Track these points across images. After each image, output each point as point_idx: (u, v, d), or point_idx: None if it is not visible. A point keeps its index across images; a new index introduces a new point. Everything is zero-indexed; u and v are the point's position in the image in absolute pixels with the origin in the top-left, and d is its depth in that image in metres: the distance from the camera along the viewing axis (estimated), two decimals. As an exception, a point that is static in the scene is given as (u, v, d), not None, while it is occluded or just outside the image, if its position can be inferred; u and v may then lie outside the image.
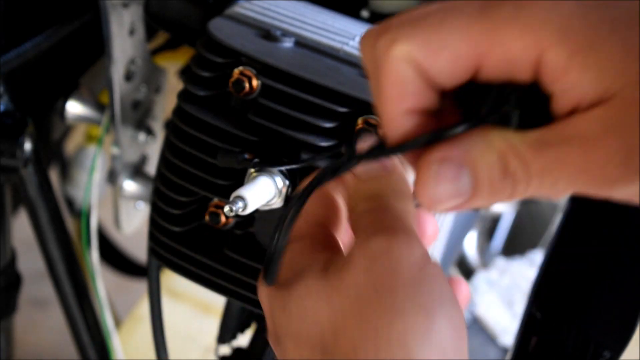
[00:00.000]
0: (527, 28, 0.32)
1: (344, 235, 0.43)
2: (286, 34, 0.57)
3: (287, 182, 0.53)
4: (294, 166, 0.53)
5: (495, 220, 1.53)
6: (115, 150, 0.75)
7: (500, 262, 1.59)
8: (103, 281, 0.77)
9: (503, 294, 1.56)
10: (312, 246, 0.42)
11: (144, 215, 0.82)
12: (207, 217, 0.57)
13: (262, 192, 0.52)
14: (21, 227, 0.86)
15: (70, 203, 1.11)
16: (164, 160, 0.59)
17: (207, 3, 0.64)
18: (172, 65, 0.80)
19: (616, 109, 0.31)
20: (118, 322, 1.22)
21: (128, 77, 0.72)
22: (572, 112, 0.32)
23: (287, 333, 0.40)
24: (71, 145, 1.17)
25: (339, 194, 0.43)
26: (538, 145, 0.33)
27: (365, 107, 0.52)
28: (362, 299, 0.37)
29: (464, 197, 0.34)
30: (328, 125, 0.53)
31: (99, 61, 0.81)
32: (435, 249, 0.64)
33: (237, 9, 0.60)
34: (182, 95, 0.57)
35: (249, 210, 0.50)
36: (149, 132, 0.78)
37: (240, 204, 0.50)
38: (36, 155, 0.70)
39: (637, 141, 0.31)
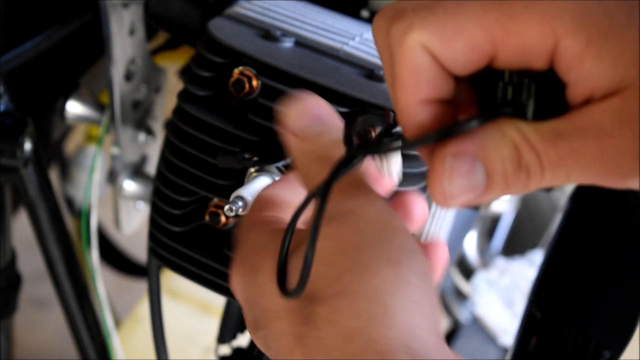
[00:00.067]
0: (543, 16, 0.31)
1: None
2: (286, 34, 0.57)
3: (287, 182, 0.53)
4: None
5: (495, 220, 1.53)
6: (115, 150, 0.75)
7: (500, 262, 1.59)
8: (103, 281, 0.77)
9: (503, 294, 1.56)
10: (272, 230, 0.42)
11: (144, 215, 0.82)
12: (207, 217, 0.57)
13: (262, 192, 0.52)
14: (21, 227, 0.86)
15: (70, 203, 1.11)
16: (164, 160, 0.59)
17: (207, 3, 0.64)
18: (172, 65, 0.80)
19: (631, 99, 0.31)
20: (118, 322, 1.22)
21: (128, 77, 0.72)
22: (587, 101, 0.32)
23: (267, 314, 0.40)
24: (71, 145, 1.17)
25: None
26: (552, 137, 0.32)
27: (365, 107, 0.52)
28: (331, 263, 0.37)
29: (477, 191, 0.34)
30: (328, 125, 0.53)
31: (99, 61, 0.81)
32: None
33: (237, 9, 0.60)
34: (182, 95, 0.57)
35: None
36: (149, 132, 0.78)
37: (240, 203, 0.50)
38: (36, 155, 0.70)
39: None
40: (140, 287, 1.08)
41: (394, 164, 0.41)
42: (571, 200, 0.60)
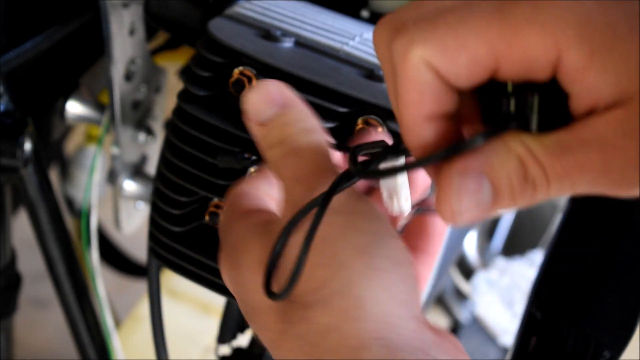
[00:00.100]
0: (546, 29, 0.31)
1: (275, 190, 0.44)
2: (286, 34, 0.57)
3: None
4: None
5: (495, 220, 1.53)
6: (115, 150, 0.75)
7: (500, 262, 1.59)
8: (103, 281, 0.77)
9: (503, 294, 1.56)
10: (252, 224, 0.42)
11: (144, 215, 0.82)
12: (207, 217, 0.57)
13: (262, 192, 0.52)
14: (21, 227, 0.86)
15: (70, 203, 1.11)
16: (164, 160, 0.59)
17: (207, 3, 0.64)
18: (172, 65, 0.80)
19: (634, 111, 0.31)
20: (118, 322, 1.22)
21: (128, 77, 0.72)
22: (590, 112, 0.32)
23: (252, 309, 0.40)
24: (71, 145, 1.18)
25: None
26: (557, 150, 0.33)
27: (365, 107, 0.52)
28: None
29: (485, 207, 0.34)
30: (328, 125, 0.53)
31: (99, 61, 0.81)
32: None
33: (237, 9, 0.60)
34: (182, 95, 0.57)
35: (249, 210, 0.50)
36: (149, 132, 0.78)
37: (240, 204, 0.50)
38: (36, 155, 0.70)
39: None
40: (140, 287, 1.08)
41: (402, 189, 0.41)
42: (571, 200, 0.60)
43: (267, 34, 0.56)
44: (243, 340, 0.70)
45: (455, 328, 1.52)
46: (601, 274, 0.59)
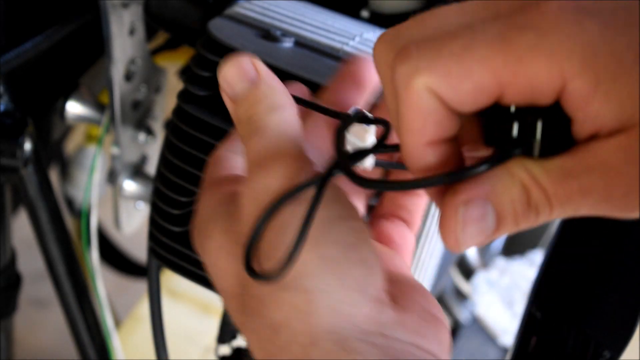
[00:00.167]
0: (551, 58, 0.31)
1: None
2: (286, 34, 0.57)
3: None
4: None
5: (495, 220, 1.52)
6: (115, 150, 0.75)
7: (500, 262, 1.59)
8: (103, 281, 0.77)
9: (503, 294, 1.56)
10: (221, 195, 0.41)
11: (144, 215, 0.82)
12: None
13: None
14: (21, 227, 0.86)
15: (70, 203, 1.12)
16: (164, 160, 0.59)
17: (207, 3, 0.64)
18: (172, 65, 0.80)
19: (637, 137, 0.31)
20: (118, 322, 1.22)
21: (128, 77, 0.72)
22: (592, 137, 0.32)
23: (221, 294, 0.40)
24: (71, 145, 1.18)
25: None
26: (560, 175, 0.33)
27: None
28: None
29: (488, 233, 0.34)
30: (328, 125, 0.53)
31: (99, 61, 0.81)
32: (436, 249, 0.64)
33: (237, 9, 0.60)
34: (182, 95, 0.57)
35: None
36: (149, 132, 0.78)
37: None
38: (36, 155, 0.70)
39: None
40: (140, 287, 1.08)
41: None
42: (571, 200, 0.60)
43: (267, 34, 0.56)
44: (243, 340, 0.70)
45: (455, 328, 1.52)
46: (601, 274, 0.59)
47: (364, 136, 0.40)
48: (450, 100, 0.33)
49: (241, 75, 0.41)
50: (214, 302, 1.24)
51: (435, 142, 0.35)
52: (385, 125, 0.40)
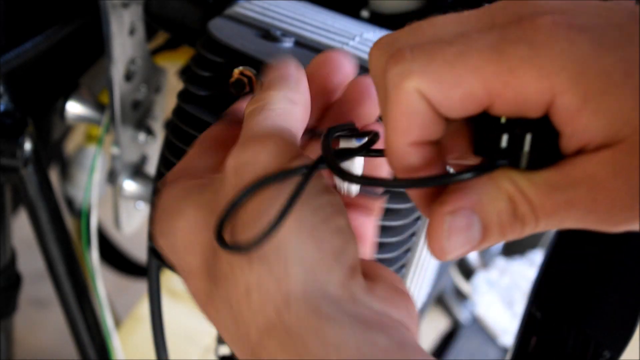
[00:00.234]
0: (541, 72, 0.32)
1: None
2: (286, 34, 0.57)
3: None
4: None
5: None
6: (115, 150, 0.75)
7: (500, 262, 1.59)
8: (103, 281, 0.77)
9: (503, 294, 1.56)
10: (187, 183, 0.42)
11: (144, 215, 0.82)
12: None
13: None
14: (21, 227, 0.86)
15: (70, 203, 1.12)
16: (164, 160, 0.59)
17: (207, 3, 0.64)
18: (172, 65, 0.80)
19: (624, 153, 0.31)
20: (118, 322, 1.22)
21: (128, 77, 0.72)
22: (579, 151, 0.33)
23: (183, 277, 0.41)
24: (71, 145, 1.18)
25: None
26: (546, 189, 0.33)
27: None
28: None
29: (474, 243, 0.35)
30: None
31: (99, 61, 0.81)
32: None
33: (237, 9, 0.60)
34: (182, 95, 0.57)
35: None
36: (149, 132, 0.78)
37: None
38: (36, 155, 0.70)
39: None
40: (140, 287, 1.08)
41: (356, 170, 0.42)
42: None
43: (267, 34, 0.56)
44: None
45: (455, 328, 1.52)
46: (601, 274, 0.59)
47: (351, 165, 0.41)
48: (439, 105, 0.34)
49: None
50: (214, 302, 1.24)
51: (419, 144, 0.35)
52: (373, 134, 0.41)
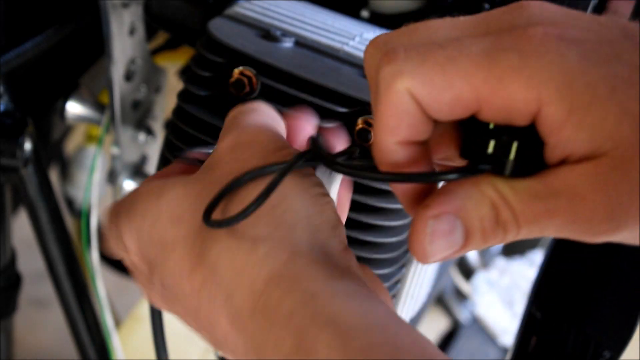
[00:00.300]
0: (529, 82, 0.32)
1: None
2: (286, 34, 0.57)
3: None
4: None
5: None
6: (115, 150, 0.75)
7: (500, 262, 1.59)
8: (103, 281, 0.77)
9: (503, 294, 1.56)
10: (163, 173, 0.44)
11: (144, 215, 0.82)
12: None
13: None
14: (21, 227, 0.86)
15: (70, 203, 1.12)
16: (164, 160, 0.59)
17: (207, 3, 0.64)
18: (172, 65, 0.80)
19: (605, 166, 0.32)
20: (118, 322, 1.22)
21: (128, 77, 0.72)
22: (562, 161, 0.33)
23: (160, 252, 0.41)
24: (71, 145, 1.18)
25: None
26: (528, 197, 0.34)
27: (365, 107, 0.52)
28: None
29: (456, 248, 0.36)
30: (328, 125, 0.53)
31: (99, 61, 0.81)
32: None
33: (237, 9, 0.60)
34: (182, 95, 0.57)
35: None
36: (149, 132, 0.78)
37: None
38: (36, 155, 0.70)
39: (622, 199, 0.32)
40: (140, 287, 1.08)
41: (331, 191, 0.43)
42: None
43: (267, 34, 0.56)
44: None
45: (455, 328, 1.52)
46: (601, 274, 0.59)
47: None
48: (428, 107, 0.34)
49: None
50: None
51: (407, 143, 0.36)
52: (357, 147, 0.43)
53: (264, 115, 0.43)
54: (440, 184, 0.37)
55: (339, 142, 0.46)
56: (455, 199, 0.35)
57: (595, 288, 0.59)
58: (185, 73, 0.60)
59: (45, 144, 0.88)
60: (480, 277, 1.55)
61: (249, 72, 0.54)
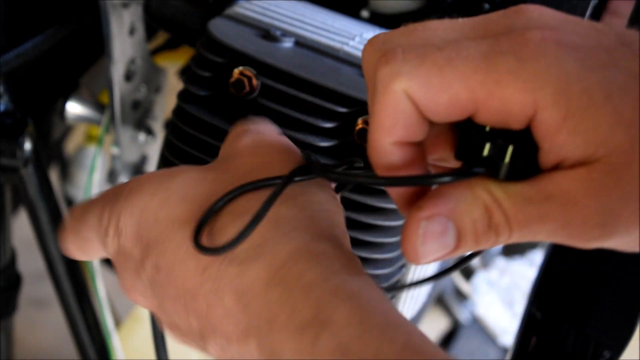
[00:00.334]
0: (526, 86, 0.32)
1: None
2: (286, 34, 0.57)
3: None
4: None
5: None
6: (115, 150, 0.75)
7: (500, 262, 1.59)
8: (103, 281, 0.77)
9: (503, 294, 1.56)
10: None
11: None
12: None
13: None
14: (21, 227, 0.86)
15: (70, 203, 1.11)
16: (164, 160, 0.59)
17: (207, 3, 0.64)
18: (172, 65, 0.80)
19: (599, 172, 0.32)
20: (118, 322, 1.22)
21: (128, 77, 0.72)
22: (556, 166, 0.34)
23: (162, 232, 0.41)
24: (71, 145, 1.17)
25: None
26: (521, 201, 0.34)
27: (365, 108, 0.52)
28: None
29: (448, 249, 0.36)
30: (328, 125, 0.53)
31: (99, 61, 0.81)
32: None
33: (237, 9, 0.60)
34: (182, 95, 0.57)
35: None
36: (149, 132, 0.78)
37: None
38: (36, 155, 0.70)
39: (615, 205, 0.33)
40: (140, 287, 1.08)
41: None
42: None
43: (267, 34, 0.56)
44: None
45: (455, 328, 1.52)
46: (601, 274, 0.59)
47: None
48: (425, 108, 0.35)
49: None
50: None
51: (402, 144, 0.36)
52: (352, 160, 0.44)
53: (272, 127, 0.45)
54: (434, 186, 0.37)
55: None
56: (448, 200, 0.35)
57: (595, 288, 0.59)
58: (185, 73, 0.60)
59: (45, 144, 0.88)
60: (480, 277, 1.55)
61: (249, 72, 0.54)
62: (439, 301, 1.52)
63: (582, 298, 0.60)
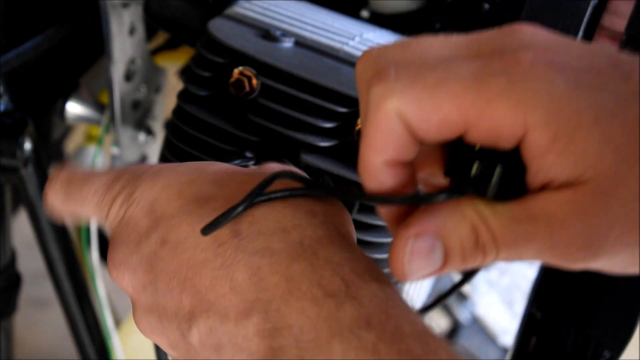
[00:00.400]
0: (516, 107, 0.33)
1: None
2: (286, 34, 0.57)
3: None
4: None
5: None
6: (115, 150, 0.75)
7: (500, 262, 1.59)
8: (103, 281, 0.77)
9: (503, 294, 1.56)
10: None
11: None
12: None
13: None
14: (21, 227, 0.86)
15: (70, 203, 1.11)
16: (163, 160, 0.59)
17: (207, 3, 0.64)
18: (172, 65, 0.80)
19: (585, 195, 0.32)
20: (118, 322, 1.22)
21: (128, 77, 0.72)
22: (544, 187, 0.34)
23: (171, 208, 0.42)
24: (71, 145, 1.17)
25: None
26: (508, 221, 0.34)
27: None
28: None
29: (435, 267, 0.36)
30: (328, 125, 0.53)
31: (99, 61, 0.81)
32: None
33: (237, 9, 0.60)
34: (182, 95, 0.57)
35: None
36: (149, 132, 0.78)
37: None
38: (36, 155, 0.70)
39: (601, 227, 0.33)
40: (140, 287, 1.08)
41: None
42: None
43: (267, 34, 0.56)
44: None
45: (455, 328, 1.52)
46: (601, 274, 0.59)
47: None
48: (416, 128, 0.35)
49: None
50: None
51: (392, 163, 0.36)
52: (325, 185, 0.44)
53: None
54: None
55: None
56: (436, 219, 0.35)
57: (595, 288, 0.59)
58: (185, 73, 0.60)
59: (45, 144, 0.88)
60: (480, 277, 1.55)
61: (249, 72, 0.54)
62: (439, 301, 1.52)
63: (582, 298, 0.60)
